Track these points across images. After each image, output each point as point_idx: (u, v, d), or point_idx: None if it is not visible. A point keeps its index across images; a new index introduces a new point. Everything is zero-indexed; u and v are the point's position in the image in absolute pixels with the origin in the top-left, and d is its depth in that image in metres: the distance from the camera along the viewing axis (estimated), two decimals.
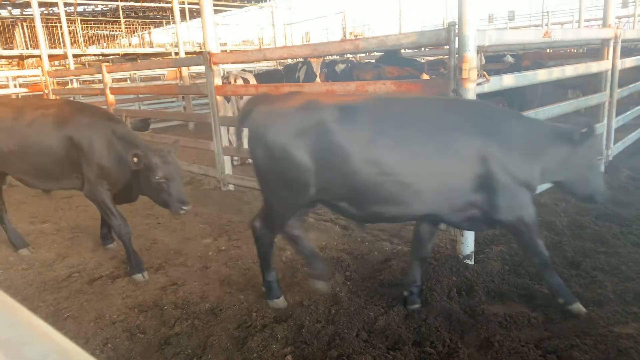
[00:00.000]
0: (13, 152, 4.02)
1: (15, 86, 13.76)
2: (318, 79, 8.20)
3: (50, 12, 25.93)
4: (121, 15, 25.42)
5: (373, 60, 11.21)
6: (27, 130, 3.95)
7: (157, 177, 3.59)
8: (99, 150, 3.82)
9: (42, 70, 10.69)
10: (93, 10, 28.75)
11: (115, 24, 28.02)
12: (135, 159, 3.57)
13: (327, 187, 2.82)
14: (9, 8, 26.06)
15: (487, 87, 3.57)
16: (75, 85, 15.30)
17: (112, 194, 3.99)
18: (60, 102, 4.35)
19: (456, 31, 3.38)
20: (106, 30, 29.73)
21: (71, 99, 13.12)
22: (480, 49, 6.53)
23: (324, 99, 2.93)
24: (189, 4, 23.75)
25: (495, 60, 9.82)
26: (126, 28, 28.14)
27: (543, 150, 2.87)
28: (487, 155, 2.68)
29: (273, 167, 2.90)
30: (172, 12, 19.24)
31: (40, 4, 17.98)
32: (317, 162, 2.75)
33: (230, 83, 7.81)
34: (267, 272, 3.34)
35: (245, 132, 3.12)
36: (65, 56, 18.47)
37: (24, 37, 22.57)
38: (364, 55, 12.52)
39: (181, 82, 13.30)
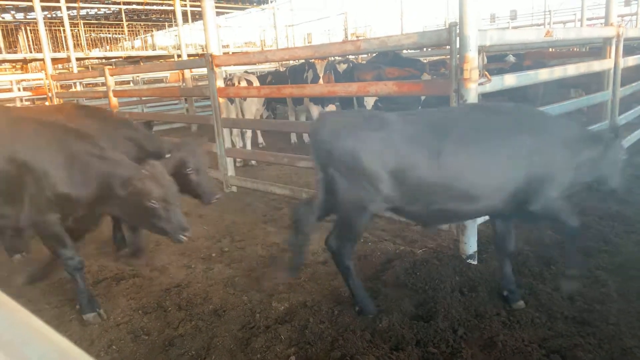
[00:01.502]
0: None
1: (19, 90, 13.85)
2: (321, 81, 8.21)
3: (53, 15, 26.01)
4: (124, 19, 25.56)
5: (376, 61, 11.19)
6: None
7: None
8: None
9: (45, 74, 10.74)
10: (96, 13, 28.90)
11: (118, 27, 28.16)
12: None
13: None
14: (13, 12, 26.23)
15: (488, 87, 3.57)
16: (79, 88, 15.37)
17: None
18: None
19: (457, 31, 3.39)
20: (109, 34, 29.92)
21: (75, 101, 13.22)
22: (481, 49, 6.52)
23: None
24: (191, 6, 23.83)
25: (497, 60, 9.81)
26: (129, 31, 28.26)
27: None
28: None
29: None
30: (174, 15, 19.30)
31: (43, 8, 18.06)
32: None
33: (234, 85, 7.84)
34: None
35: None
36: (68, 59, 18.53)
37: (28, 40, 22.74)
38: (365, 56, 12.52)
39: (184, 84, 13.35)
